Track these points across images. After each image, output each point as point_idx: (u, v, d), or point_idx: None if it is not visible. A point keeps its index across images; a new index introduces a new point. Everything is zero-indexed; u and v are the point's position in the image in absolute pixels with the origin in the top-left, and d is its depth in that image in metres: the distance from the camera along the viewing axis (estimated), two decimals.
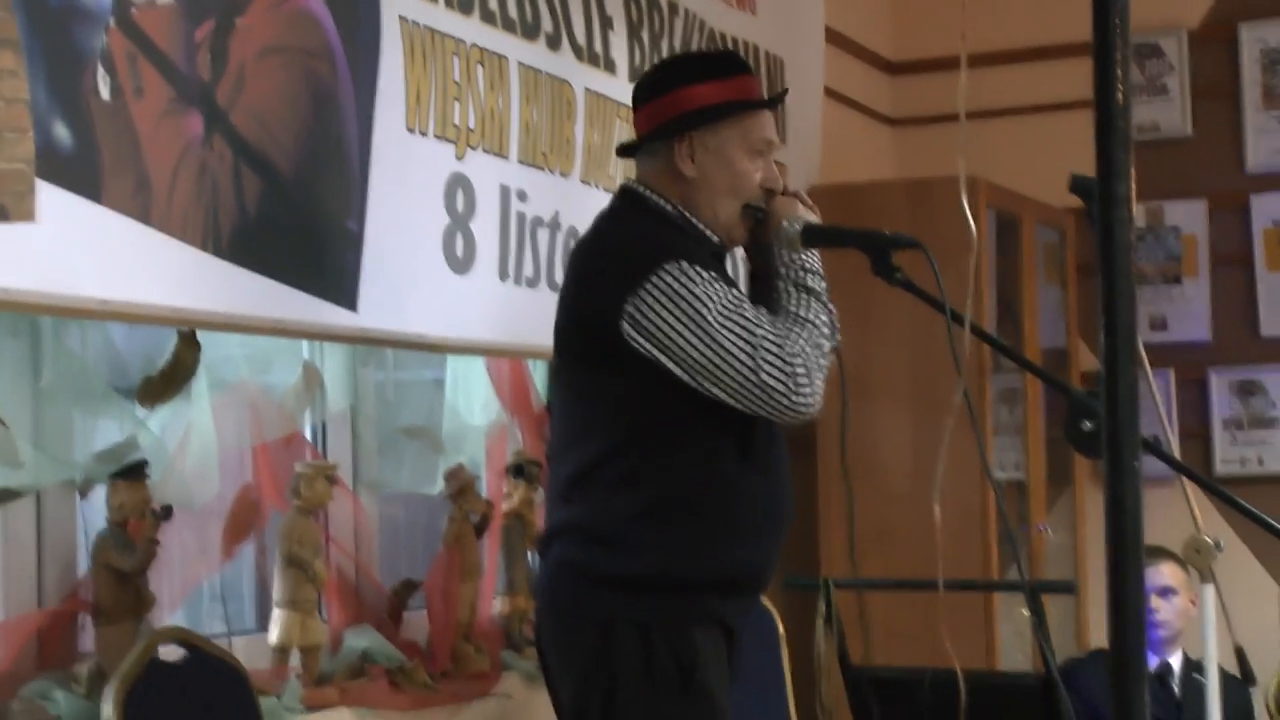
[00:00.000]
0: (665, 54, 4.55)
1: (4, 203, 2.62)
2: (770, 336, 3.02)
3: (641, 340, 3.03)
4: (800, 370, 3.02)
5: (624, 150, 3.40)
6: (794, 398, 3.01)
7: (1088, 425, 2.83)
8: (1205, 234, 6.36)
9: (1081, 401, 2.85)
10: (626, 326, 3.03)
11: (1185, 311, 6.39)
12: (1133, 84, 6.48)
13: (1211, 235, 6.37)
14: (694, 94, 3.17)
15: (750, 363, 2.99)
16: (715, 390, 3.03)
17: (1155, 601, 5.15)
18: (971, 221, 2.70)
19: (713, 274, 3.07)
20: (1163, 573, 5.15)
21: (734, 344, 3.00)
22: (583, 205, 4.13)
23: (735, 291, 3.09)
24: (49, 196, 2.69)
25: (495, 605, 4.37)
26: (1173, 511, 6.15)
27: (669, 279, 3.01)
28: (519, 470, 4.39)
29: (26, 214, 2.66)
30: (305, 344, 3.80)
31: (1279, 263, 6.32)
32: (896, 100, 6.76)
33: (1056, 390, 3.23)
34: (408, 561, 4.33)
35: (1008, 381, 5.74)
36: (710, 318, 3.00)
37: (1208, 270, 6.36)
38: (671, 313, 3.00)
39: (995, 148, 6.47)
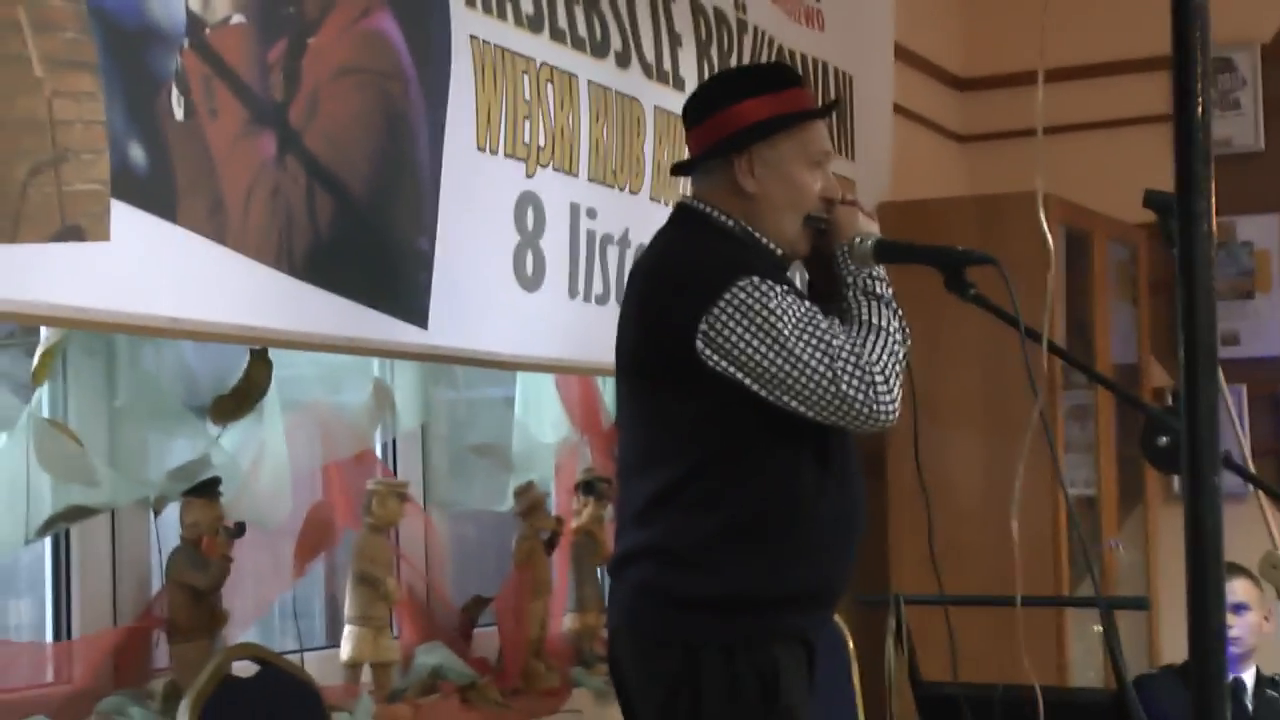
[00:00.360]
0: None
1: (80, 223, 2.64)
2: (847, 346, 3.00)
3: (717, 358, 3.00)
4: (879, 378, 3.00)
5: (679, 169, 3.39)
6: (875, 405, 2.99)
7: (1164, 440, 2.82)
8: (1277, 249, 6.31)
9: (1158, 417, 2.84)
10: (701, 345, 3.00)
11: (1258, 327, 6.34)
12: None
13: None
14: (748, 109, 3.15)
15: (829, 373, 2.97)
16: (794, 403, 3.01)
17: (1228, 618, 5.10)
18: (1049, 237, 2.68)
19: (784, 287, 3.05)
20: (1235, 589, 5.09)
21: (811, 355, 2.98)
22: (652, 222, 4.10)
23: (808, 304, 3.07)
24: (124, 216, 2.71)
25: (565, 622, 4.38)
26: (1248, 528, 6.12)
27: (742, 294, 2.99)
28: (589, 487, 4.40)
29: (102, 234, 2.68)
30: (376, 362, 3.82)
31: None
32: (965, 116, 6.74)
33: (1131, 406, 3.20)
34: (478, 579, 4.34)
35: (1079, 398, 5.71)
36: (786, 331, 2.98)
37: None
38: (746, 328, 2.98)
39: (1066, 163, 6.44)
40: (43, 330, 3.05)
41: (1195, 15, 2.00)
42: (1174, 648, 5.74)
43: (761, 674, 3.08)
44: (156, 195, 2.78)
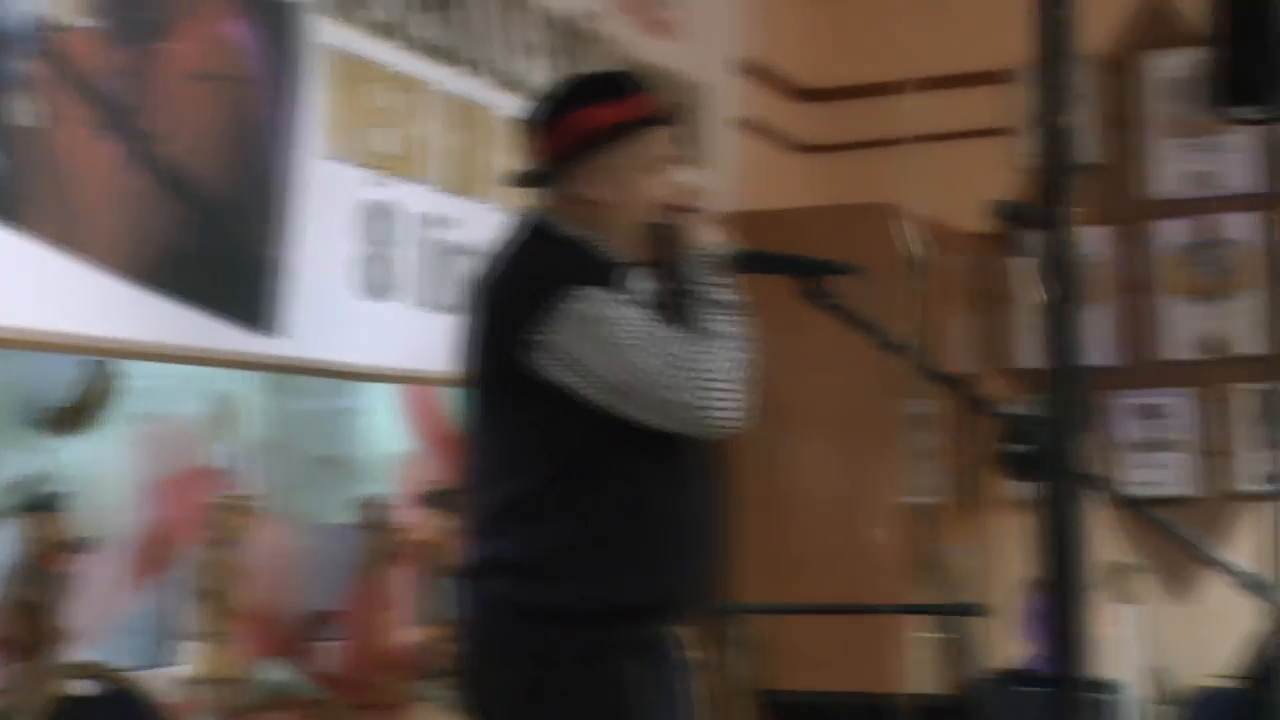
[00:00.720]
0: None
1: None
2: (684, 354, 2.96)
3: (555, 367, 2.97)
4: (716, 384, 2.96)
5: (521, 179, 3.32)
6: (712, 413, 2.95)
7: (1019, 448, 2.84)
8: (1111, 259, 6.42)
9: (1014, 424, 2.86)
10: (538, 354, 2.97)
11: (1091, 337, 6.44)
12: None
13: (1116, 261, 6.44)
14: (589, 116, 3.12)
15: (665, 381, 2.94)
16: (633, 412, 2.98)
17: None
18: (912, 246, 2.70)
19: (623, 296, 3.03)
20: None
21: (648, 364, 2.94)
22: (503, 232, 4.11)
23: (647, 312, 3.04)
24: None
25: (409, 635, 4.33)
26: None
27: (578, 303, 2.96)
28: (434, 499, 4.35)
29: None
30: (217, 373, 3.74)
31: (1181, 287, 6.40)
32: (809, 127, 6.78)
33: (987, 415, 3.22)
34: (320, 591, 4.28)
35: (920, 407, 5.75)
36: (623, 339, 2.95)
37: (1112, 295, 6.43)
38: (583, 336, 2.95)
39: (908, 174, 6.51)
40: None
41: (1058, 30, 2.04)
42: (1010, 652, 5.81)
43: (615, 686, 3.05)
44: (4, 204, 2.70)
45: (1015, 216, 3.40)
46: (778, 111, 6.41)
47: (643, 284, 3.30)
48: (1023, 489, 6.21)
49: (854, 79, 6.74)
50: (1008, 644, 5.73)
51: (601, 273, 3.08)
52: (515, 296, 3.07)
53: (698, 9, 5.32)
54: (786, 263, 3.07)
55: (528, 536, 3.07)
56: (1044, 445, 2.75)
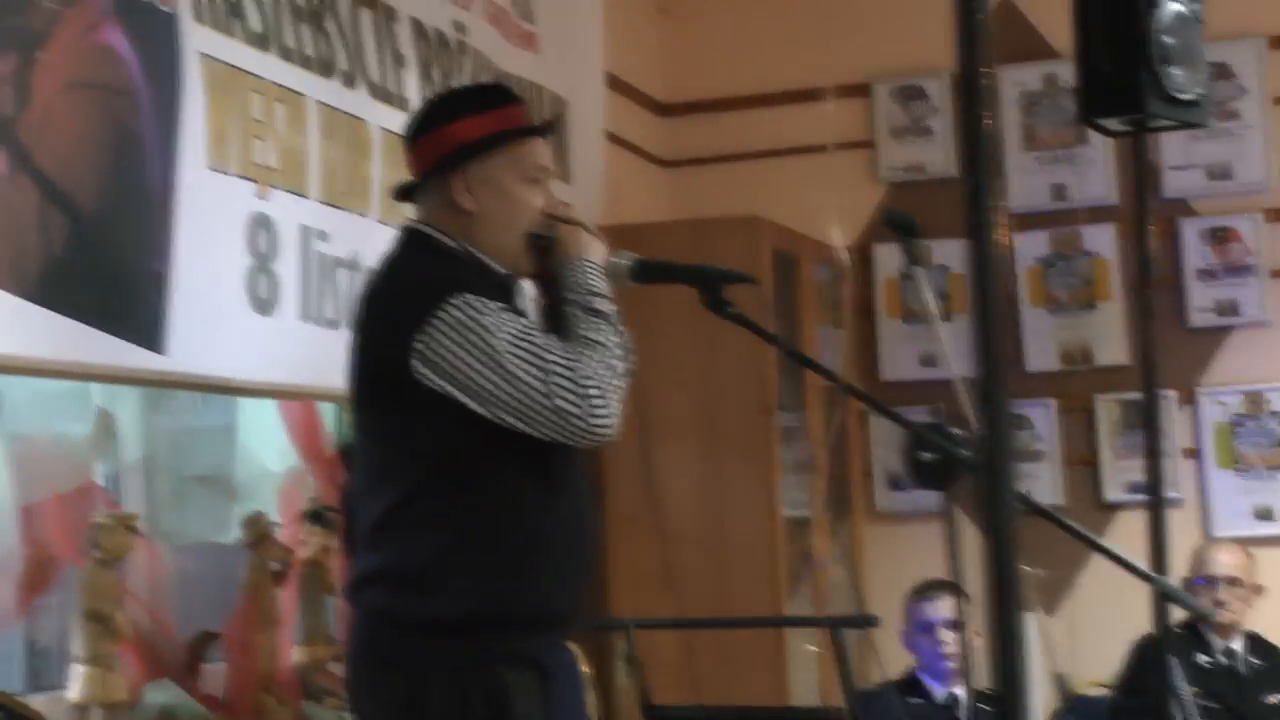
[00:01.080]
0: None
1: None
2: (561, 361, 2.98)
3: (433, 376, 2.98)
4: (594, 392, 2.98)
5: (401, 193, 3.32)
6: (590, 420, 2.97)
7: (927, 456, 2.88)
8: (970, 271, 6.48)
9: (921, 433, 2.89)
10: (416, 364, 2.98)
11: (954, 349, 6.50)
12: (898, 126, 6.64)
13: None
14: (464, 128, 3.14)
15: (543, 388, 2.96)
16: (510, 419, 2.99)
17: (944, 634, 5.25)
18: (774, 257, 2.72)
19: (500, 304, 3.04)
20: (947, 605, 5.24)
21: (525, 371, 2.96)
22: (381, 245, 4.05)
23: (524, 320, 3.08)
24: None
25: (294, 655, 4.27)
26: (933, 545, 6.30)
27: (455, 312, 2.97)
28: (316, 516, 4.30)
29: None
30: (95, 390, 3.68)
31: (1041, 299, 6.49)
32: (667, 141, 6.81)
33: (894, 422, 3.25)
34: (203, 612, 4.21)
35: (790, 420, 5.79)
36: (499, 347, 2.96)
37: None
38: (460, 345, 2.96)
39: (768, 187, 6.56)
40: None
41: (978, 33, 2.06)
42: (888, 662, 5.85)
43: (491, 697, 3.06)
44: None
45: (899, 225, 3.45)
46: (637, 126, 6.43)
47: (521, 294, 3.32)
48: (915, 499, 6.27)
49: (712, 93, 6.77)
50: (887, 655, 5.78)
51: (480, 282, 3.09)
52: (392, 306, 3.09)
53: (560, 24, 5.33)
54: (687, 272, 3.10)
55: (402, 548, 3.08)
56: (949, 453, 2.81)
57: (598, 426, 2.98)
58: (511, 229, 3.16)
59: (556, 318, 3.19)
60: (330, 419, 4.39)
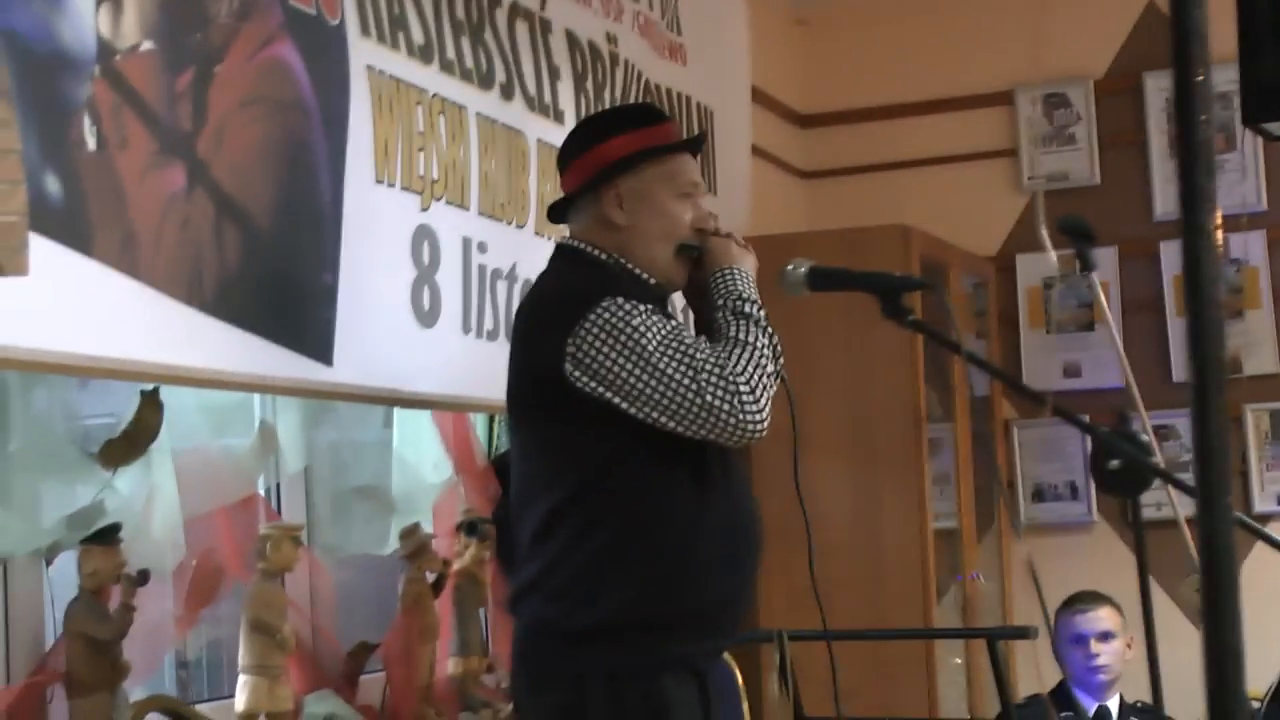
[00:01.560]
0: (608, 104, 4.53)
1: None
2: (710, 359, 3.01)
3: (585, 378, 3.01)
4: (744, 389, 3.00)
5: (554, 213, 3.38)
6: (740, 415, 2.99)
7: (1115, 464, 2.83)
8: (1116, 280, 6.41)
9: (1109, 441, 2.85)
10: (569, 367, 3.02)
11: (1098, 358, 6.43)
12: (1041, 134, 6.57)
13: (1122, 282, 6.43)
14: (614, 146, 3.20)
15: (693, 385, 2.98)
16: (662, 418, 3.01)
17: (1096, 646, 5.18)
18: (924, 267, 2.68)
19: (649, 307, 3.08)
20: (1101, 618, 5.18)
21: (675, 369, 2.99)
22: (537, 257, 4.07)
23: (674, 322, 3.12)
24: (42, 250, 2.59)
25: (449, 666, 4.28)
26: (1090, 555, 6.22)
27: (606, 314, 3.01)
28: (471, 528, 4.31)
29: (20, 268, 2.56)
30: (258, 402, 3.70)
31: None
32: (807, 153, 6.78)
33: (1079, 430, 3.21)
34: (361, 623, 4.23)
35: (936, 431, 5.74)
36: (649, 346, 2.99)
37: (1119, 317, 6.41)
38: (611, 346, 3.00)
39: (911, 197, 6.52)
40: None
41: (1193, 33, 2.01)
42: (1027, 676, 5.79)
43: (649, 703, 3.07)
44: (71, 228, 2.66)
45: (1074, 230, 3.41)
46: (776, 137, 6.40)
47: (672, 306, 3.35)
48: (1059, 510, 6.14)
49: (851, 104, 6.74)
50: (1037, 668, 5.71)
51: (632, 291, 3.12)
52: (545, 314, 3.14)
53: (706, 35, 5.32)
54: (865, 279, 3.09)
55: (558, 556, 3.11)
56: (1138, 461, 2.76)
57: (748, 422, 3.00)
58: (663, 242, 3.21)
59: (707, 329, 3.21)
60: (482, 430, 4.40)
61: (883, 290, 2.98)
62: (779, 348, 3.15)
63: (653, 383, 2.99)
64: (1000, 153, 6.62)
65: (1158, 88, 6.43)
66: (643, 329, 3.00)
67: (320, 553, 4.02)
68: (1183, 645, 5.27)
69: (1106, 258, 6.42)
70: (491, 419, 4.44)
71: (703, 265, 3.22)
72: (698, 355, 3.01)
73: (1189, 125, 1.98)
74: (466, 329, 3.83)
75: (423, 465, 4.19)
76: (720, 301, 3.15)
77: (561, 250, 3.29)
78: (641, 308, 3.04)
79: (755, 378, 3.03)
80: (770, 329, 3.15)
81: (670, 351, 3.00)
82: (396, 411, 4.03)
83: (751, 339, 3.08)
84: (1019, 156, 6.59)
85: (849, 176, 6.68)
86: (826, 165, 6.75)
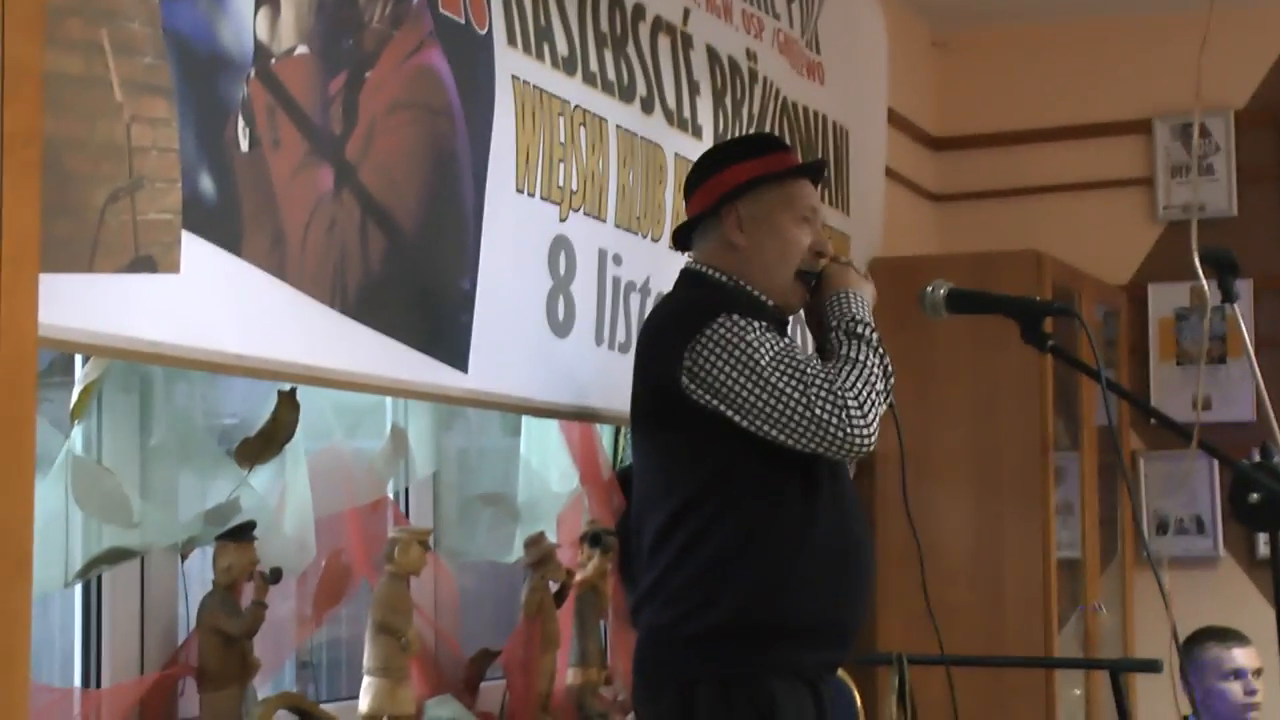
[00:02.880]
0: (746, 119, 4.53)
1: (153, 253, 2.55)
2: (821, 374, 3.11)
3: (700, 391, 3.13)
4: (853, 404, 3.09)
5: (678, 240, 3.50)
6: (849, 429, 3.08)
7: (1255, 497, 2.79)
8: (1251, 313, 6.32)
9: (1248, 474, 2.81)
10: (685, 380, 3.13)
11: (1230, 392, 6.34)
12: (1178, 163, 6.50)
13: (1257, 316, 6.34)
14: (737, 171, 3.31)
15: (803, 399, 3.08)
16: (773, 431, 3.11)
17: (1255, 681, 5.11)
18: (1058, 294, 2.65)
19: (764, 324, 3.18)
20: (1254, 653, 5.11)
21: (786, 383, 3.09)
22: (671, 270, 4.07)
23: (787, 340, 3.23)
24: (193, 248, 2.63)
25: (568, 676, 4.29)
26: (1217, 590, 6.14)
27: (721, 330, 3.12)
28: (595, 539, 4.31)
29: (173, 265, 2.59)
30: (389, 405, 3.73)
31: None
32: (939, 176, 6.75)
33: (1222, 462, 3.16)
34: (483, 630, 4.25)
35: (1061, 460, 5.69)
36: (762, 361, 3.09)
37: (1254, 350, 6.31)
38: (725, 360, 3.10)
39: (1043, 224, 6.47)
40: (77, 364, 2.95)
41: None
42: (1147, 709, 5.72)
43: (758, 708, 3.15)
44: (222, 227, 2.70)
45: (1219, 261, 3.36)
46: (908, 159, 6.38)
47: (789, 325, 3.43)
48: (1184, 543, 6.05)
49: (985, 128, 6.70)
50: (1146, 701, 5.65)
51: (748, 309, 3.22)
52: (665, 329, 3.26)
53: (845, 55, 5.30)
54: (1005, 303, 3.09)
55: (674, 563, 3.22)
56: (1275, 495, 2.71)
57: (856, 437, 3.09)
58: (782, 265, 3.31)
59: (823, 352, 3.27)
60: (608, 442, 4.41)
61: (1023, 315, 2.97)
62: (890, 368, 3.23)
63: (764, 396, 3.09)
64: (1136, 181, 6.56)
65: None
66: (756, 344, 3.11)
67: (445, 558, 4.04)
68: None
69: (1242, 290, 6.34)
70: (617, 431, 4.45)
71: (820, 290, 3.32)
72: (808, 370, 3.10)
73: None
74: (599, 340, 3.84)
75: (549, 474, 4.20)
76: (834, 323, 3.24)
77: (685, 273, 3.41)
78: (756, 324, 3.14)
79: (864, 394, 3.11)
80: (883, 350, 3.22)
81: (782, 366, 3.10)
82: (525, 420, 4.05)
83: (862, 357, 3.16)
84: (1154, 186, 6.53)
85: (981, 201, 6.65)
86: (959, 189, 6.71)
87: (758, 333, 3.12)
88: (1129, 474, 6.02)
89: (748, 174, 3.29)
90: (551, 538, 4.25)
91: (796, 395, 3.08)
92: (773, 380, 3.08)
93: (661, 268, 4.08)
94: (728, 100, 4.47)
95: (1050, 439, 5.35)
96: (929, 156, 6.68)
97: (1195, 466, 6.22)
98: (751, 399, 3.09)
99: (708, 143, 4.33)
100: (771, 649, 3.17)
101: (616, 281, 3.91)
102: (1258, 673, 5.12)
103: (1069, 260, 5.84)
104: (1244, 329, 3.68)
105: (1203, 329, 6.34)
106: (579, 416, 3.97)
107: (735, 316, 3.13)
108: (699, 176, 3.38)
